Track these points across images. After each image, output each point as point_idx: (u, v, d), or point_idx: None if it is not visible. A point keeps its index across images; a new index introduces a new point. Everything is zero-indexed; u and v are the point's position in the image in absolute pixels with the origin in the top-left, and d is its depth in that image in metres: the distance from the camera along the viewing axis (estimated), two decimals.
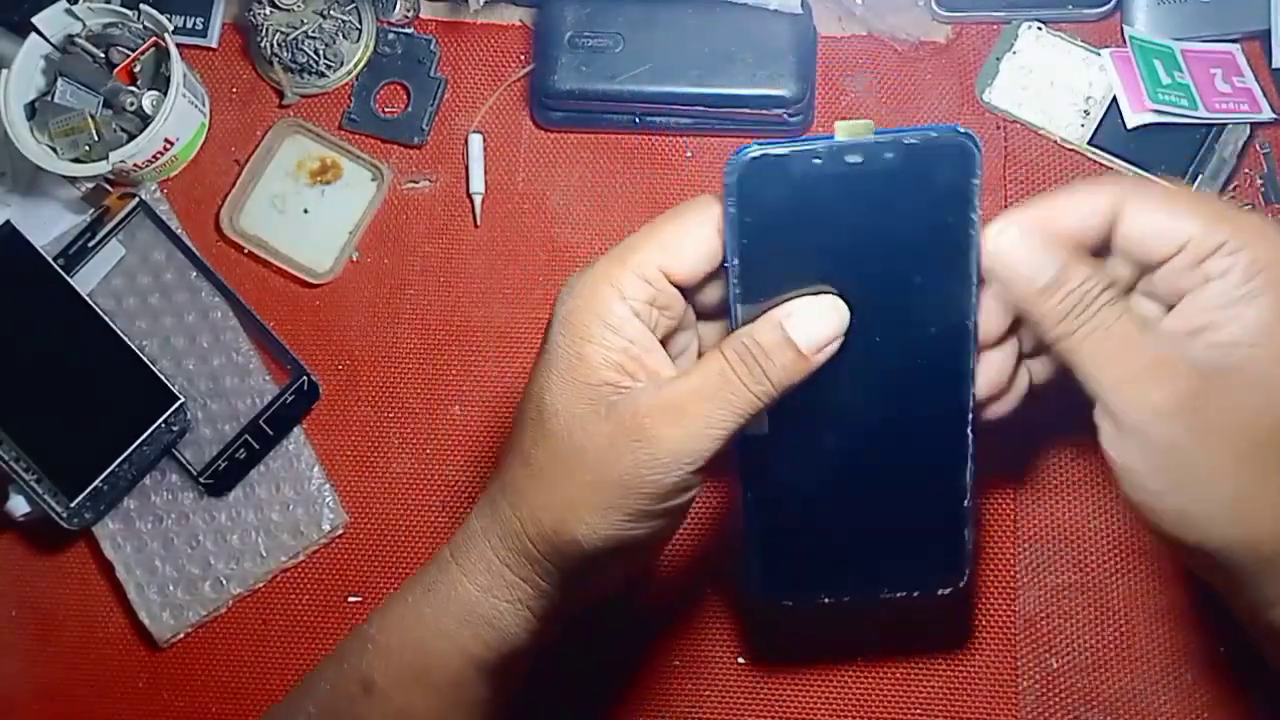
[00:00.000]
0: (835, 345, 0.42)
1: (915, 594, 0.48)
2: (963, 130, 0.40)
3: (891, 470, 0.46)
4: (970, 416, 0.44)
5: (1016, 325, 0.45)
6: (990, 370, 0.45)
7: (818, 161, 0.40)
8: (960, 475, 0.45)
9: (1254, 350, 0.40)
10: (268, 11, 0.68)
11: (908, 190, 0.41)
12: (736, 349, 0.42)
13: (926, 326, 0.43)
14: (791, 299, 0.42)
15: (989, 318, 0.44)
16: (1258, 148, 0.62)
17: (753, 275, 0.42)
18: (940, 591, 0.48)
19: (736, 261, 0.41)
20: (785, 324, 0.42)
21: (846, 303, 0.42)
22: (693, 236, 0.42)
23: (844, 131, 0.40)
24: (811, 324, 0.42)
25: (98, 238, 0.67)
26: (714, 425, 0.42)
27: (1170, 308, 0.43)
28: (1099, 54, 0.63)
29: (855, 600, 0.48)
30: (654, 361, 0.43)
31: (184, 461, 0.65)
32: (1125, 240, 0.42)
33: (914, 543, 0.47)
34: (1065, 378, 0.43)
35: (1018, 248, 0.42)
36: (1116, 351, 0.41)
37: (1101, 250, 0.43)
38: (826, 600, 0.48)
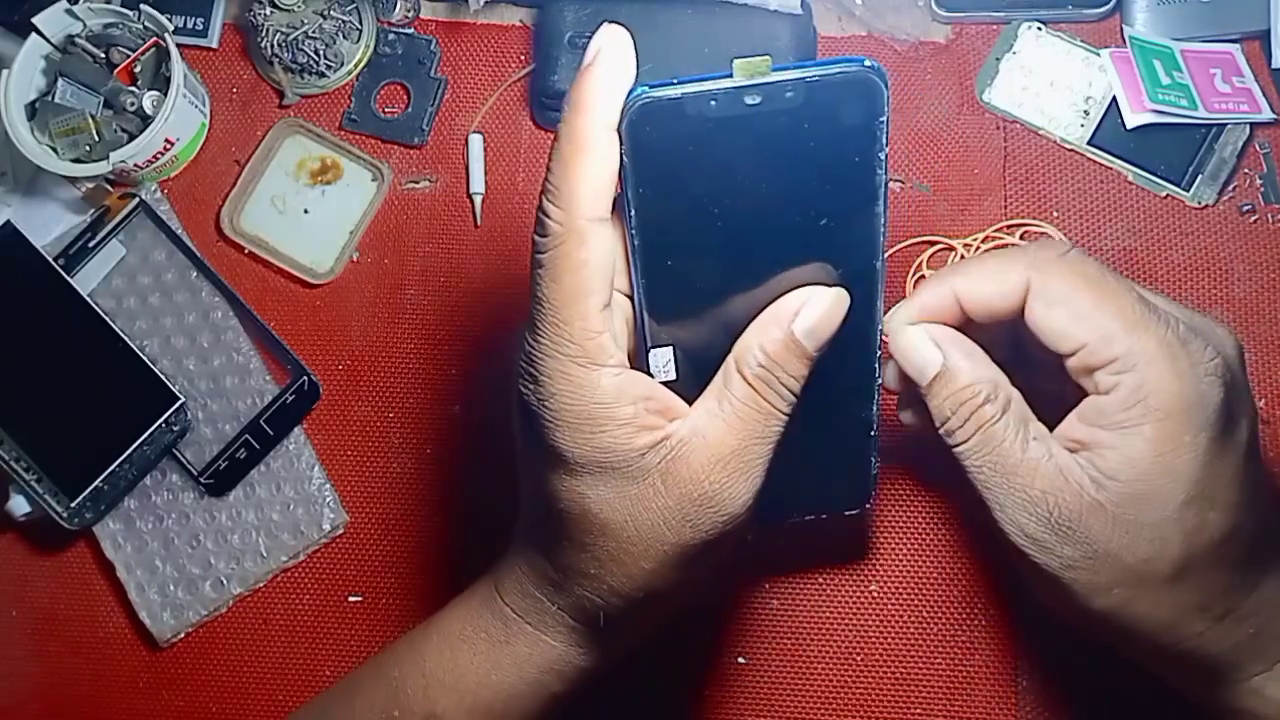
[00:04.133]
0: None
1: (824, 516, 0.49)
2: (869, 63, 0.38)
3: (805, 406, 0.44)
4: (878, 353, 0.44)
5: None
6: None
7: (714, 104, 0.38)
8: (869, 408, 0.45)
9: (1125, 487, 0.39)
10: (268, 12, 0.68)
11: (811, 129, 0.38)
12: (758, 374, 0.40)
13: (835, 268, 0.42)
14: (778, 288, 0.41)
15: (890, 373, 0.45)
16: (1257, 148, 0.62)
17: (651, 227, 0.40)
18: (848, 512, 0.49)
19: (633, 214, 0.39)
20: (796, 328, 0.40)
21: (752, 249, 0.41)
22: (596, 261, 0.39)
23: (741, 70, 0.38)
24: (820, 323, 0.41)
25: (98, 238, 0.67)
26: (763, 456, 0.41)
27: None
28: (1099, 54, 0.63)
29: (767, 526, 0.48)
30: (664, 400, 0.41)
31: (184, 461, 0.65)
32: (1029, 323, 0.42)
33: (825, 471, 0.47)
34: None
35: (905, 336, 0.42)
36: (999, 471, 0.41)
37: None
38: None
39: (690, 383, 0.42)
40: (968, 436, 0.41)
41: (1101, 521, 0.40)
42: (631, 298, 0.42)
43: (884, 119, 0.39)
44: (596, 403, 0.39)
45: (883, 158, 0.39)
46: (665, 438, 0.40)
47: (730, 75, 0.38)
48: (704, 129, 0.38)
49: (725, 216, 0.40)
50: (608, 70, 0.38)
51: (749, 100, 0.38)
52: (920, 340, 0.42)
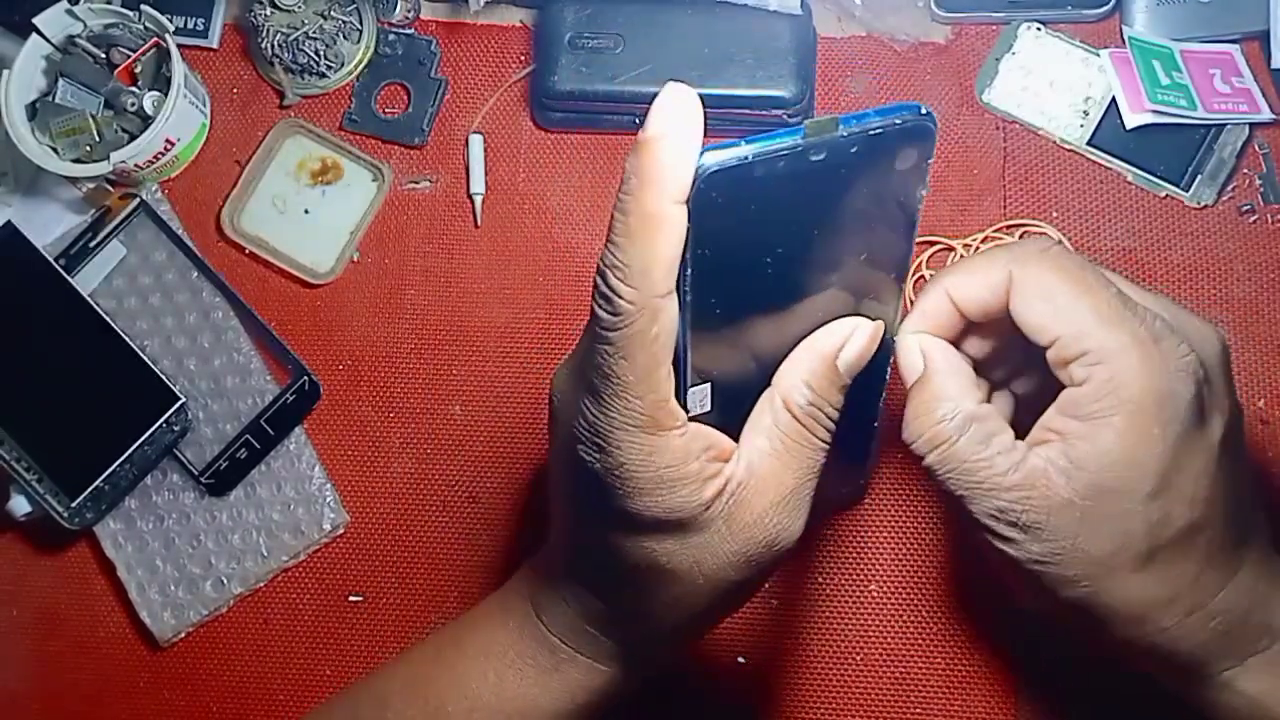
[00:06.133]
0: None
1: (825, 514, 0.50)
2: (925, 111, 0.39)
3: None
4: (891, 361, 0.46)
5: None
6: None
7: (781, 165, 0.37)
8: (876, 406, 0.48)
9: (1093, 477, 0.40)
10: (269, 12, 0.68)
11: (865, 175, 0.39)
12: (808, 410, 0.42)
13: (865, 295, 0.43)
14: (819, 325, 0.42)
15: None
16: (1256, 148, 0.62)
17: (704, 279, 0.39)
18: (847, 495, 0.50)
19: (689, 273, 0.38)
20: (840, 362, 0.42)
21: (795, 286, 0.42)
22: (668, 334, 0.38)
23: (813, 131, 0.38)
24: (863, 356, 0.43)
25: (99, 238, 0.67)
26: (812, 489, 0.43)
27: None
28: (1098, 54, 0.63)
29: None
30: (716, 442, 0.42)
31: (185, 461, 0.65)
32: (1013, 317, 0.42)
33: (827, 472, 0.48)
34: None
35: (901, 343, 0.44)
36: (962, 485, 0.42)
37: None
38: None
39: (720, 410, 0.43)
40: (924, 454, 0.42)
41: (1069, 519, 0.40)
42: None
43: (931, 160, 0.40)
44: (668, 465, 0.39)
45: (923, 194, 0.41)
46: (725, 483, 0.41)
47: (798, 134, 0.37)
48: (766, 186, 0.38)
49: (775, 261, 0.40)
50: (680, 143, 0.36)
51: (814, 157, 0.38)
52: (909, 349, 0.44)
